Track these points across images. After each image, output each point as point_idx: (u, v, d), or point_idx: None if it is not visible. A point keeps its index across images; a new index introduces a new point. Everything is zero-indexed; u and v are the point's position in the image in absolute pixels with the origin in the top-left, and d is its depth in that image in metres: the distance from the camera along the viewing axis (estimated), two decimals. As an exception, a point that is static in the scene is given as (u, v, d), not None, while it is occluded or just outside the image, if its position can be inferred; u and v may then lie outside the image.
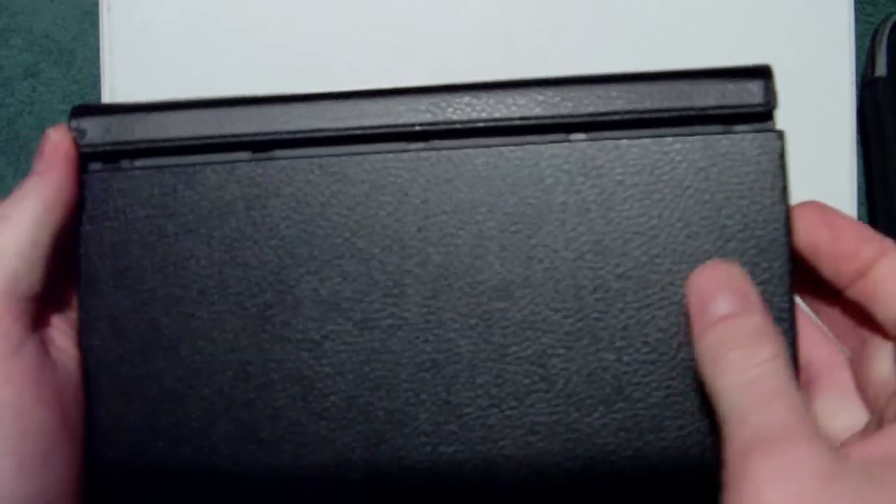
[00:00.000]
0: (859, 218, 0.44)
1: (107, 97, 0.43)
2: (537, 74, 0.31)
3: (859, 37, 0.47)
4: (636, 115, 0.30)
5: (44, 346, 0.30)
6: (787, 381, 0.25)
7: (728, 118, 0.30)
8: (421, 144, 0.31)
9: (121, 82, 0.44)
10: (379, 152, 0.31)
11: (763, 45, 0.44)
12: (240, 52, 0.43)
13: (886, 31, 0.48)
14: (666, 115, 0.30)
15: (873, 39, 0.49)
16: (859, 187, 0.48)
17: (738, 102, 0.30)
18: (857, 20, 0.45)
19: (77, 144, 0.32)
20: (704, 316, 0.27)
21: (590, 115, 0.30)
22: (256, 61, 0.43)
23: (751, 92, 0.30)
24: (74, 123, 0.32)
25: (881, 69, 0.48)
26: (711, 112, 0.30)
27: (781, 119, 0.43)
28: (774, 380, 0.25)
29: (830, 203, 0.43)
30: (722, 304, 0.27)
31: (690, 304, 0.27)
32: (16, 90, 0.49)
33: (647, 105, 0.30)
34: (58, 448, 0.30)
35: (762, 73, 0.31)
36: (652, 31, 0.44)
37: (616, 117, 0.30)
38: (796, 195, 0.43)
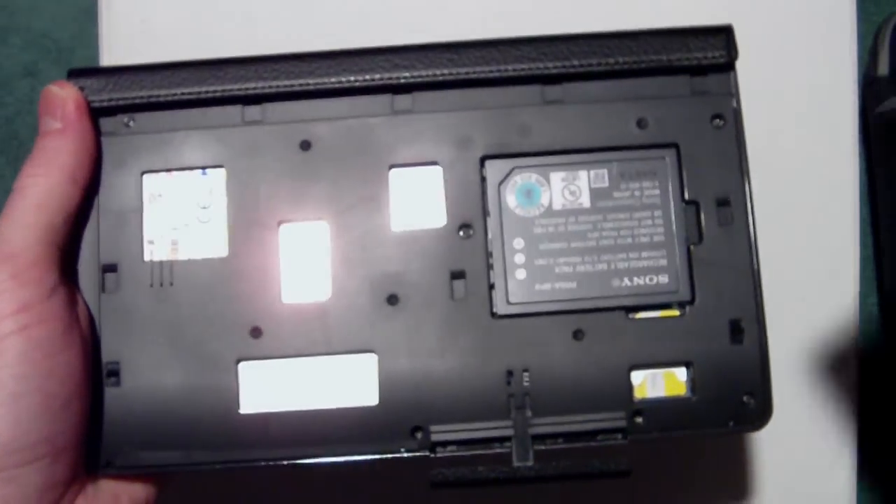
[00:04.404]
0: (861, 218, 0.44)
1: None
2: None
3: (861, 36, 0.47)
4: (608, 67, 0.33)
5: (72, 295, 0.31)
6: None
7: (693, 69, 0.34)
8: (408, 98, 0.34)
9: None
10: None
11: (765, 44, 0.44)
12: (240, 53, 0.43)
13: (889, 30, 0.48)
14: (638, 66, 0.33)
15: (876, 38, 0.49)
16: (861, 186, 0.48)
17: (703, 55, 0.33)
18: (860, 19, 0.45)
19: (87, 100, 0.33)
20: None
21: (565, 67, 0.33)
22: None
23: (714, 45, 0.34)
24: (73, 82, 0.33)
25: (883, 68, 0.48)
26: (678, 63, 0.33)
27: (784, 118, 0.43)
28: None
29: (832, 202, 0.43)
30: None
31: None
32: (15, 89, 0.49)
33: (620, 58, 0.33)
34: (79, 393, 0.30)
35: (724, 30, 0.34)
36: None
37: (591, 69, 0.33)
38: (798, 194, 0.43)
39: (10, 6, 0.50)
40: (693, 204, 0.33)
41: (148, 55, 0.42)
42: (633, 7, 0.43)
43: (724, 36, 0.33)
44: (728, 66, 0.33)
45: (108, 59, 0.44)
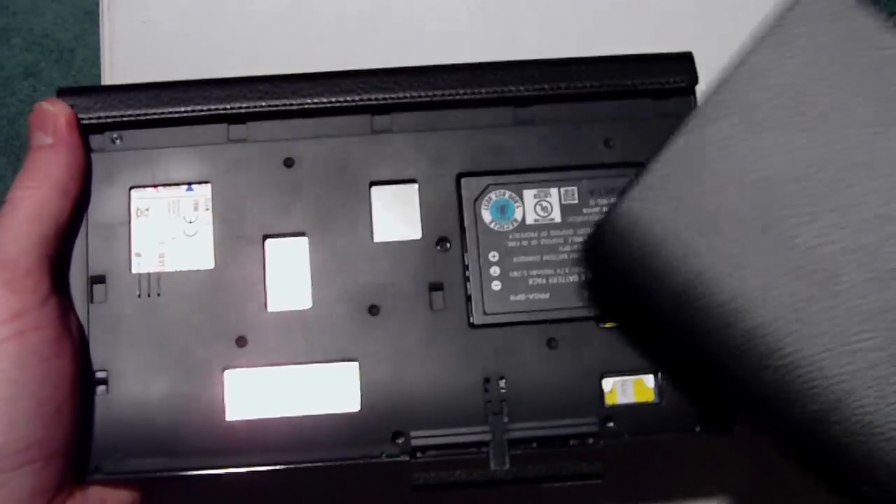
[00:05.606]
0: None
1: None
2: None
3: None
4: (577, 91, 0.35)
5: (63, 304, 0.32)
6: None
7: (657, 93, 0.35)
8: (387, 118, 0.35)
9: (121, 82, 0.45)
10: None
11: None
12: (240, 53, 0.44)
13: (881, 32, 0.48)
14: (605, 90, 0.35)
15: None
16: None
17: (665, 80, 0.35)
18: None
19: (77, 116, 0.34)
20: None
21: (536, 90, 0.35)
22: (256, 61, 0.43)
23: (676, 70, 0.35)
24: (63, 101, 0.34)
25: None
26: (642, 87, 0.35)
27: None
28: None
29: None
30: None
31: None
32: (16, 90, 0.49)
33: (588, 82, 0.35)
34: (71, 399, 0.31)
35: (685, 57, 0.36)
36: (651, 30, 0.44)
37: (561, 92, 0.35)
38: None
39: (12, 7, 0.51)
40: None
41: (149, 56, 0.43)
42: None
43: (685, 63, 0.35)
44: (689, 90, 0.35)
45: (109, 59, 0.44)
